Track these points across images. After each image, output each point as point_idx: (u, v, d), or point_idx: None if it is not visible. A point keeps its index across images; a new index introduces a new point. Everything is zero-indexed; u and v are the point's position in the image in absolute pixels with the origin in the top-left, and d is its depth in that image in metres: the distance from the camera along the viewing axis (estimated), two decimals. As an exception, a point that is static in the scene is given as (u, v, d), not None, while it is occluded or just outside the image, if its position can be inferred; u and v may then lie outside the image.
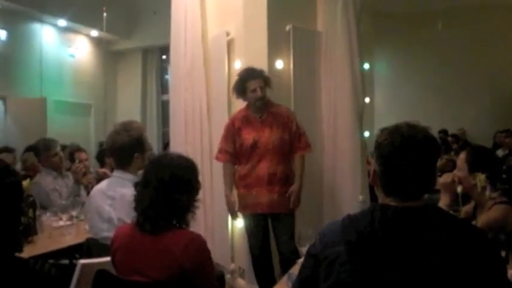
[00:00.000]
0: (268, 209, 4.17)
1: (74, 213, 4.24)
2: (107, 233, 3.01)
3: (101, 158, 6.45)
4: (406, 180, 1.65)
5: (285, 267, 3.90)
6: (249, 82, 4.17)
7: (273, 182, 4.15)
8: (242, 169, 4.27)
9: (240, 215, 4.45)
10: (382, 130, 1.74)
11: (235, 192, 4.40)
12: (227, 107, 4.98)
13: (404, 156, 1.64)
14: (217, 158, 4.46)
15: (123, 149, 3.17)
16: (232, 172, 4.36)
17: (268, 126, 4.19)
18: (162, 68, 12.79)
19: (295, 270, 2.49)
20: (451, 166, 5.07)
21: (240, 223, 4.67)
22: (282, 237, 4.16)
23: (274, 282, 3.74)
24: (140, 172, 2.64)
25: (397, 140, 1.65)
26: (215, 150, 5.03)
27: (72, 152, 5.91)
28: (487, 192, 3.00)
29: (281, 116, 4.23)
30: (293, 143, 4.24)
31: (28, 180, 4.29)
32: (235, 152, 4.30)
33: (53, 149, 4.96)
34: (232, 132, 4.27)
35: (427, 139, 1.67)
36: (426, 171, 1.67)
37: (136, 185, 2.39)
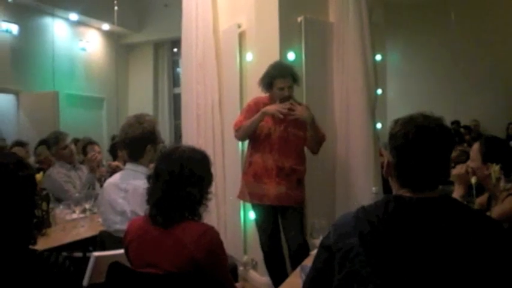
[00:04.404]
0: (276, 201, 4.13)
1: (87, 205, 4.26)
2: (120, 225, 3.03)
3: (113, 151, 6.48)
4: (421, 171, 1.64)
5: (294, 262, 3.90)
6: (278, 80, 4.10)
7: (280, 175, 4.12)
8: (251, 157, 4.24)
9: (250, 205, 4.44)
10: (396, 121, 1.72)
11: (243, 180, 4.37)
12: (239, 100, 4.97)
13: (418, 147, 1.63)
14: (234, 126, 4.30)
15: (135, 141, 3.19)
16: None
17: (286, 121, 4.14)
18: (174, 61, 12.84)
19: (308, 262, 2.48)
20: (465, 157, 5.03)
21: (252, 215, 4.67)
22: (289, 232, 4.13)
23: (286, 275, 3.74)
24: (152, 165, 2.64)
25: (412, 131, 1.64)
26: (227, 142, 5.04)
27: (85, 145, 5.94)
28: (501, 183, 2.98)
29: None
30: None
31: (41, 173, 4.32)
32: None
33: (62, 142, 4.98)
34: (253, 113, 4.17)
35: (441, 129, 1.66)
36: (441, 162, 1.66)
37: (148, 178, 2.39)
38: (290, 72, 4.16)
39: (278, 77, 4.11)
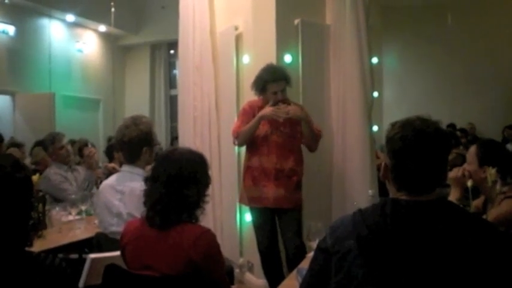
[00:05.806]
0: (274, 203, 4.12)
1: (83, 207, 4.24)
2: (116, 227, 3.03)
3: (109, 153, 6.47)
4: (418, 174, 1.64)
5: (291, 264, 3.89)
6: (271, 84, 4.08)
7: (279, 177, 4.12)
8: (249, 161, 4.24)
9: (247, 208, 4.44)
10: (394, 124, 1.73)
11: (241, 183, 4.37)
12: (235, 102, 4.97)
13: (416, 150, 1.63)
14: (233, 133, 4.28)
15: (132, 143, 3.18)
16: None
17: (282, 123, 4.14)
18: (170, 62, 12.84)
19: (304, 264, 2.48)
20: (461, 160, 5.04)
21: (248, 217, 4.67)
22: (286, 233, 4.13)
23: (283, 277, 3.73)
24: (149, 167, 2.64)
25: (409, 134, 1.64)
26: (224, 144, 5.03)
27: (81, 147, 5.94)
28: (498, 186, 2.98)
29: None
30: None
31: (37, 175, 4.31)
32: None
33: (58, 142, 4.96)
34: (249, 116, 4.18)
35: (438, 133, 1.67)
36: (438, 165, 1.66)
37: (146, 180, 2.39)
38: (282, 75, 4.14)
39: (271, 82, 4.09)
